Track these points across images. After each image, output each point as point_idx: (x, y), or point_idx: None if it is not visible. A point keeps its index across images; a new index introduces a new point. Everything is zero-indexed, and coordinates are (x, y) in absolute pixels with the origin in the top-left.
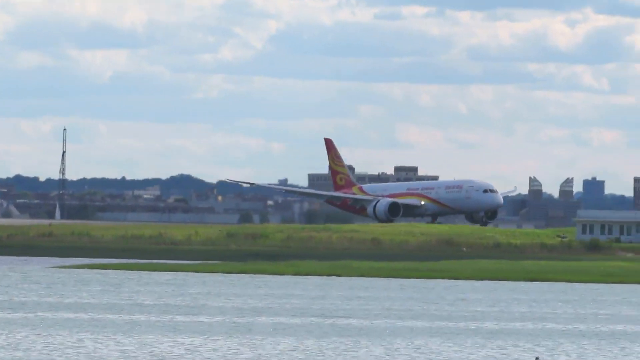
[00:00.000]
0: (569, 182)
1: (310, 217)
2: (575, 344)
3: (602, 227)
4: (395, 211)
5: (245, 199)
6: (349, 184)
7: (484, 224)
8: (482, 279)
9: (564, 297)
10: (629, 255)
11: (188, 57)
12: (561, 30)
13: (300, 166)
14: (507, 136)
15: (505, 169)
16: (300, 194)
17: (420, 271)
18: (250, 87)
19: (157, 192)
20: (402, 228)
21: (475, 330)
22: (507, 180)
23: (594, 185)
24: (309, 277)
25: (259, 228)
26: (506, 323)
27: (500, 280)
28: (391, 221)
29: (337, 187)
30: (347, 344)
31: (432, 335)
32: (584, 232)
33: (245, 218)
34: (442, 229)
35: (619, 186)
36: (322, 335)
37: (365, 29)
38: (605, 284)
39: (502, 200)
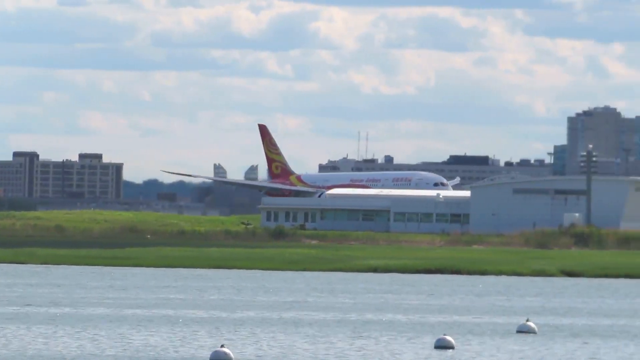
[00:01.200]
0: (253, 169)
1: None
2: (267, 331)
3: (287, 214)
4: None
5: None
6: (286, 173)
7: None
8: (166, 267)
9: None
10: (314, 242)
11: None
12: (245, 16)
13: None
14: (192, 123)
15: (190, 156)
16: (239, 186)
17: (105, 258)
18: None
19: None
20: (86, 215)
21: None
22: (192, 167)
23: None
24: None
25: None
26: (194, 311)
27: (185, 267)
28: None
29: (273, 176)
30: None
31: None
32: (268, 219)
33: None
34: (126, 216)
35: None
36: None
37: (49, 15)
38: (294, 272)
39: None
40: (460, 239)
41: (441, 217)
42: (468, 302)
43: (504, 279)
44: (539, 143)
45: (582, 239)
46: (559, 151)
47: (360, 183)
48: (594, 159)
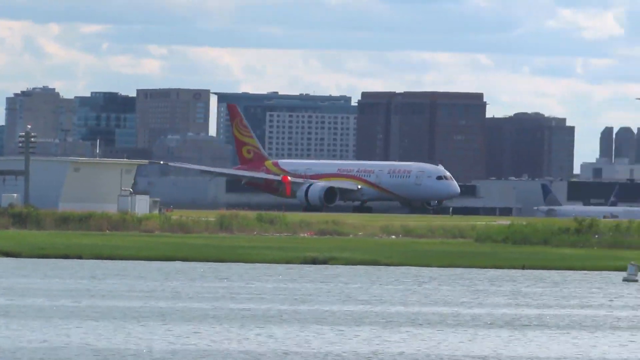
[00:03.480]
0: None
1: None
2: None
3: None
4: (331, 197)
5: None
6: (259, 158)
7: (436, 212)
8: None
9: None
10: None
11: None
12: None
13: None
14: None
15: None
16: (220, 175)
17: None
18: None
19: None
20: None
21: None
22: None
23: None
24: None
25: None
26: None
27: None
28: (325, 208)
29: (244, 162)
30: None
31: None
32: None
33: None
34: None
35: None
36: None
37: None
38: None
39: (458, 189)
40: None
41: None
42: None
43: None
44: None
45: (20, 220)
46: None
47: (349, 174)
48: (33, 139)
